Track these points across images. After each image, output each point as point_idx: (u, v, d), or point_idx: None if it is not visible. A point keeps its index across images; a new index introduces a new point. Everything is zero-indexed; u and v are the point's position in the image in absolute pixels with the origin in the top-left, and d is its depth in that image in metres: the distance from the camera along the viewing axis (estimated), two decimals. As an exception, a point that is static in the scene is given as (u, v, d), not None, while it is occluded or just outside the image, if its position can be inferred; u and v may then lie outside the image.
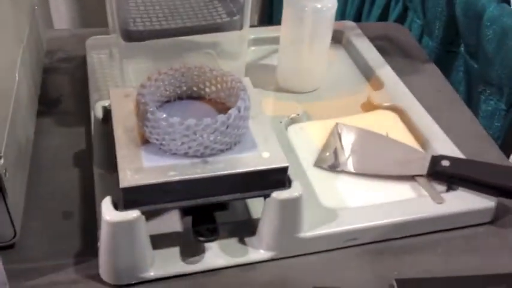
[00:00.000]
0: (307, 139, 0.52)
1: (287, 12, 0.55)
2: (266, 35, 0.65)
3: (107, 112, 0.45)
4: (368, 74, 0.62)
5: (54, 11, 1.21)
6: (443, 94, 0.61)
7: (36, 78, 0.55)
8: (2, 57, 0.42)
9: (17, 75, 0.45)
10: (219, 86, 0.43)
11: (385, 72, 0.60)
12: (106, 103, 0.46)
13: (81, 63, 0.60)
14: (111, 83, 0.55)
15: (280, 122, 0.52)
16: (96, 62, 0.58)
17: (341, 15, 0.94)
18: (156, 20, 0.48)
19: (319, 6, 0.53)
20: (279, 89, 0.59)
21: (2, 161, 0.37)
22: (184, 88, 0.44)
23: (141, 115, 0.39)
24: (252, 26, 0.54)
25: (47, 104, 0.55)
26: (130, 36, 0.47)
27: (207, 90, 0.44)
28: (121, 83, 0.53)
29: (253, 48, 0.65)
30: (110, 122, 0.42)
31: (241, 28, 0.51)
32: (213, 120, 0.37)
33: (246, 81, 0.47)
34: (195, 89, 0.44)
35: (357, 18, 0.91)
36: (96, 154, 0.46)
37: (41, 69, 0.58)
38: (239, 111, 0.39)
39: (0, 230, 0.36)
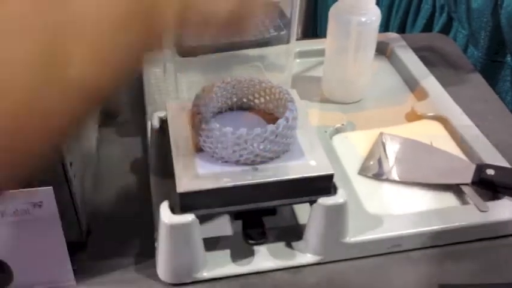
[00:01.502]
0: (352, 148, 0.54)
1: (332, 26, 0.57)
2: (311, 48, 0.68)
3: (163, 122, 0.48)
4: (412, 84, 0.63)
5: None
6: (489, 104, 0.61)
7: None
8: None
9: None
10: (267, 97, 0.46)
11: (430, 82, 0.61)
12: (162, 114, 0.49)
13: (139, 76, 0.64)
14: (165, 96, 0.58)
15: (326, 132, 0.54)
16: (152, 77, 0.62)
17: (385, 26, 0.95)
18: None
19: (363, 19, 0.55)
20: (325, 100, 0.61)
21: (72, 167, 0.41)
22: (235, 99, 0.47)
23: (196, 125, 0.42)
24: (296, 39, 0.57)
25: (108, 114, 0.59)
26: (184, 51, 0.50)
27: (257, 101, 0.46)
28: (174, 95, 0.56)
29: (298, 60, 0.67)
30: (165, 132, 0.46)
31: (288, 42, 0.53)
32: (262, 130, 0.40)
33: (293, 92, 0.49)
34: (245, 100, 0.47)
35: (401, 29, 0.92)
36: (152, 162, 0.49)
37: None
38: (287, 121, 0.41)
39: (69, 230, 0.40)
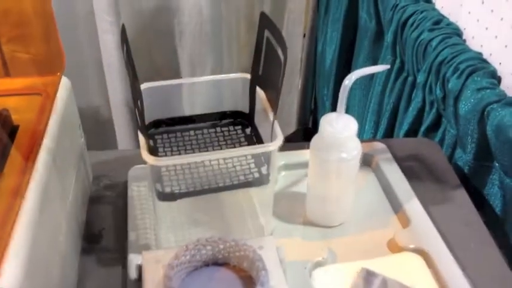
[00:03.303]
0: (332, 283, 0.54)
1: (312, 157, 0.57)
2: (297, 160, 0.68)
3: (141, 271, 0.49)
4: (395, 205, 0.63)
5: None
6: (472, 228, 0.61)
7: (81, 218, 0.60)
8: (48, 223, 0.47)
9: (62, 239, 0.50)
10: (242, 257, 0.46)
11: (413, 207, 0.61)
12: (139, 261, 0.49)
13: (123, 191, 0.65)
14: (148, 221, 0.59)
15: (305, 268, 0.54)
16: (136, 196, 0.62)
17: (375, 129, 0.96)
18: (191, 182, 0.52)
19: (344, 155, 0.55)
20: (307, 222, 0.61)
21: None
22: (211, 255, 0.47)
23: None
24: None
25: (89, 239, 0.59)
26: (163, 197, 0.51)
27: (232, 259, 0.47)
28: (155, 223, 0.57)
29: (283, 173, 0.67)
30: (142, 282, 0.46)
31: (268, 182, 0.54)
32: (232, 309, 0.40)
33: (269, 241, 0.49)
34: (220, 256, 0.47)
35: (390, 129, 0.92)
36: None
37: (86, 202, 0.63)
38: (258, 294, 0.41)
39: None
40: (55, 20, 0.52)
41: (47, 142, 0.48)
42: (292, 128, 1.59)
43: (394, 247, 0.58)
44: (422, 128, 0.84)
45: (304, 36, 1.46)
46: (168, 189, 0.52)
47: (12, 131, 0.48)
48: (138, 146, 0.49)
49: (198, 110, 0.61)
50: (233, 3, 1.40)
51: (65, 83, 0.56)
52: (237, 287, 0.45)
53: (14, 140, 0.47)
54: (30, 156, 0.46)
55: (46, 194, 0.45)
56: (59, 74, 0.54)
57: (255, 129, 0.60)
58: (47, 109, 0.51)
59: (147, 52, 1.36)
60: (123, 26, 0.49)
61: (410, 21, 0.85)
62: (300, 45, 1.46)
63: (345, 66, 1.24)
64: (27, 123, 0.49)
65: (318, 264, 0.56)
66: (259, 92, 0.57)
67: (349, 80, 0.52)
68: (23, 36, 0.53)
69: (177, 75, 1.34)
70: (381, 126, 0.99)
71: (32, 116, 0.50)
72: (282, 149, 0.51)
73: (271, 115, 0.53)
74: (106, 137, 1.40)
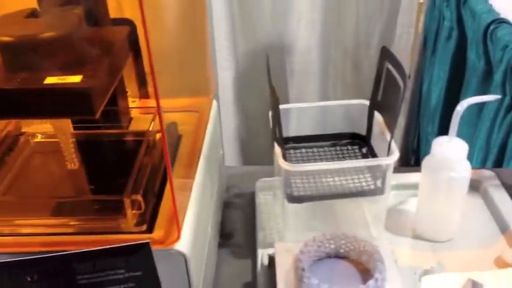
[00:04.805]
0: (439, 291, 0.59)
1: (424, 176, 0.64)
2: (407, 181, 0.74)
3: (272, 259, 0.58)
4: (503, 227, 0.66)
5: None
6: None
7: (218, 218, 0.71)
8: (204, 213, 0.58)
9: (209, 229, 0.61)
10: (361, 251, 0.54)
11: (520, 229, 0.65)
12: (270, 251, 0.59)
13: (251, 199, 0.75)
14: (274, 223, 0.68)
15: (415, 274, 0.60)
16: (263, 203, 0.73)
17: (483, 158, 0.99)
18: (315, 188, 0.61)
19: (453, 175, 0.61)
20: (416, 236, 0.67)
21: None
22: (333, 248, 0.55)
23: (299, 277, 0.50)
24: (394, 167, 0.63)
25: (224, 236, 0.70)
26: (292, 199, 0.60)
27: (351, 253, 0.54)
28: (282, 223, 0.66)
29: (394, 192, 0.74)
30: (272, 266, 0.55)
31: (382, 193, 0.61)
32: (354, 290, 0.48)
33: (384, 246, 0.56)
34: (341, 250, 0.55)
35: (499, 158, 0.95)
36: (261, 289, 0.59)
37: (222, 206, 0.74)
38: (376, 281, 0.48)
39: None
40: (210, 51, 0.65)
41: (204, 150, 0.60)
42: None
43: (501, 264, 0.62)
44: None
45: (409, 77, 1.51)
46: (296, 193, 0.61)
47: (178, 139, 0.61)
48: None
49: (320, 130, 0.70)
50: (341, 45, 1.51)
51: (213, 103, 0.69)
52: (355, 277, 0.52)
53: (179, 146, 0.60)
54: (193, 159, 0.58)
55: (203, 191, 0.57)
56: (211, 96, 0.67)
57: (371, 149, 0.67)
58: (203, 123, 0.63)
59: (260, 88, 1.50)
60: (267, 56, 0.60)
61: (521, 60, 0.89)
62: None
63: (451, 104, 1.28)
64: (188, 134, 0.62)
65: (427, 272, 0.61)
66: (377, 116, 0.65)
67: (461, 106, 0.59)
68: (185, 64, 0.67)
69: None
70: (487, 163, 1.01)
71: (191, 128, 0.63)
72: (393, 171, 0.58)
73: (388, 135, 0.61)
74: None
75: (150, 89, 0.65)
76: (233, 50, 1.49)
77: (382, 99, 0.63)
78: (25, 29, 0.46)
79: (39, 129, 0.61)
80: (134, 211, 0.48)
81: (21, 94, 0.42)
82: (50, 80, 0.43)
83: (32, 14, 0.47)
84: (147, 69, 0.64)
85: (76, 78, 0.43)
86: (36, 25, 0.46)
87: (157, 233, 0.48)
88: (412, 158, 1.62)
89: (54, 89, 0.42)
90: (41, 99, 0.43)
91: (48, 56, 0.45)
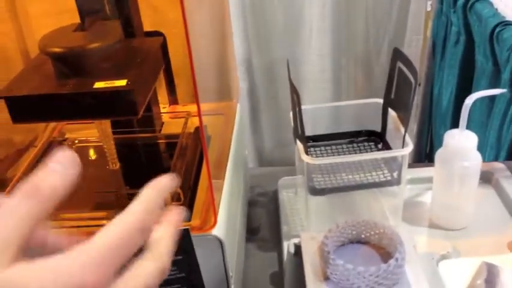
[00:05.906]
0: (456, 275, 0.62)
1: (437, 167, 0.68)
2: (422, 175, 0.78)
3: (297, 248, 0.62)
4: (515, 214, 0.70)
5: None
6: None
7: (245, 214, 0.75)
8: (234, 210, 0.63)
9: (238, 225, 0.65)
10: (381, 236, 0.58)
11: (531, 215, 0.68)
12: (296, 240, 0.63)
13: (273, 197, 0.80)
14: (297, 218, 0.73)
15: (432, 259, 0.64)
16: (285, 200, 0.77)
17: (496, 150, 1.02)
18: (335, 181, 0.65)
19: (466, 164, 0.65)
20: (432, 225, 0.71)
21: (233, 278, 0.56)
22: (355, 234, 0.59)
23: (325, 259, 0.55)
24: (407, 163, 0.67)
25: (250, 231, 0.74)
26: (314, 191, 0.65)
27: (372, 238, 0.59)
28: (305, 218, 0.70)
29: (409, 186, 0.78)
30: (298, 255, 0.59)
31: (399, 184, 0.65)
32: (377, 268, 0.52)
33: (403, 232, 0.60)
34: (363, 236, 0.59)
35: (510, 155, 0.99)
36: (287, 280, 0.63)
37: (247, 203, 0.79)
38: (397, 261, 0.52)
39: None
40: (235, 60, 0.70)
41: (232, 150, 0.65)
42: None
43: (514, 247, 0.65)
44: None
45: (419, 85, 1.55)
46: (318, 186, 0.65)
47: (208, 140, 0.66)
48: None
49: (336, 129, 0.75)
50: (352, 53, 1.56)
51: (238, 107, 0.74)
52: (376, 260, 0.56)
53: (209, 146, 0.65)
54: (223, 160, 0.63)
55: (232, 190, 0.61)
56: (235, 100, 0.72)
57: (386, 144, 0.72)
58: (230, 126, 0.68)
59: (275, 98, 1.56)
60: (287, 60, 0.65)
61: (527, 59, 0.93)
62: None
63: (461, 106, 1.32)
64: (216, 135, 0.67)
65: (444, 257, 0.65)
66: (391, 113, 0.70)
67: (469, 99, 0.63)
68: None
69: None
70: (499, 159, 1.05)
71: (219, 130, 0.68)
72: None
73: (402, 130, 0.65)
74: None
75: (179, 96, 0.71)
76: (248, 63, 1.55)
77: (395, 96, 0.68)
78: (74, 41, 0.51)
79: (79, 136, 0.67)
80: (174, 202, 0.53)
81: (74, 97, 0.48)
82: (98, 85, 0.48)
83: (79, 28, 0.53)
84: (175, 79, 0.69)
85: (122, 82, 0.48)
86: (83, 37, 0.52)
87: (195, 222, 0.53)
88: (425, 161, 1.66)
89: (104, 91, 0.47)
90: (92, 101, 0.48)
91: (94, 64, 0.51)
